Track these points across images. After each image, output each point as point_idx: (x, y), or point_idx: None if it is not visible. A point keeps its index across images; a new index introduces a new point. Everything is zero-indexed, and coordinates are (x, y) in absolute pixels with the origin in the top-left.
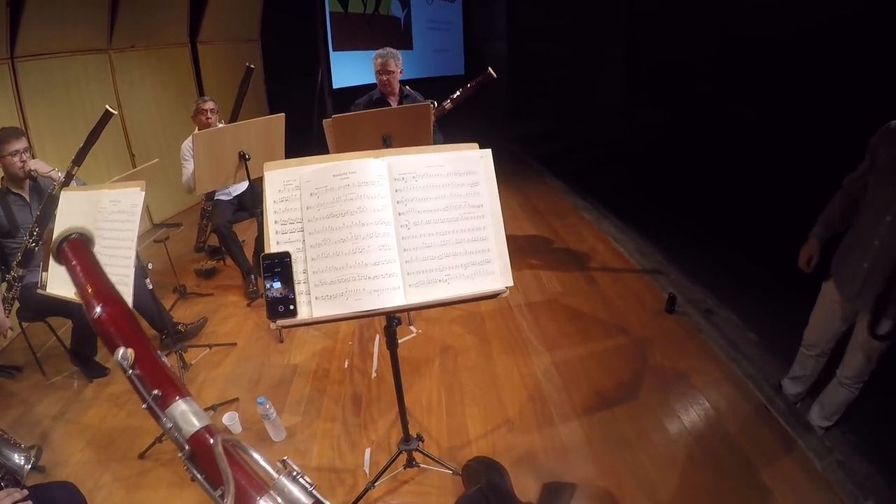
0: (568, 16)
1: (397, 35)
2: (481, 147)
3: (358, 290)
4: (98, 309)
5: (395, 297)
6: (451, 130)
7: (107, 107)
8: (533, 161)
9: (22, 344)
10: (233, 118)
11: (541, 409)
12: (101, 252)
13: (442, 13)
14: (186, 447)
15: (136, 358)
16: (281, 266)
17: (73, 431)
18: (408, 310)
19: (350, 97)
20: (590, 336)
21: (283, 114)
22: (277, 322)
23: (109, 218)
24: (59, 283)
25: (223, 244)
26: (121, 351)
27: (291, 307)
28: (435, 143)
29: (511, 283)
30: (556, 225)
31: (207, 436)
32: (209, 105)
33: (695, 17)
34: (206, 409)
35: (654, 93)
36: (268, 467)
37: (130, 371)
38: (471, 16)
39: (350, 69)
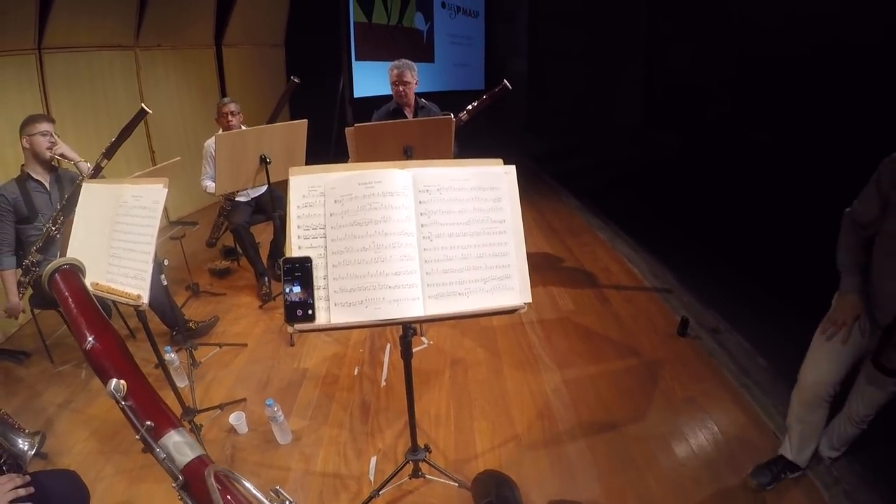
0: (588, 35)
1: (419, 47)
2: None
3: (377, 298)
4: (90, 339)
5: (413, 308)
6: (467, 143)
7: (143, 105)
8: (548, 178)
9: (32, 330)
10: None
11: (549, 426)
12: (120, 247)
13: (464, 28)
14: (180, 477)
15: (129, 389)
16: (302, 270)
17: (77, 421)
18: (426, 321)
19: (370, 106)
20: (601, 355)
21: (305, 120)
22: (295, 326)
23: (131, 213)
24: None
25: (239, 244)
26: (113, 382)
27: (310, 312)
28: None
29: (529, 300)
30: (570, 243)
31: (201, 466)
32: (230, 107)
33: (712, 39)
34: (214, 408)
35: (670, 114)
36: (260, 496)
37: (123, 402)
38: (493, 32)
39: (372, 79)
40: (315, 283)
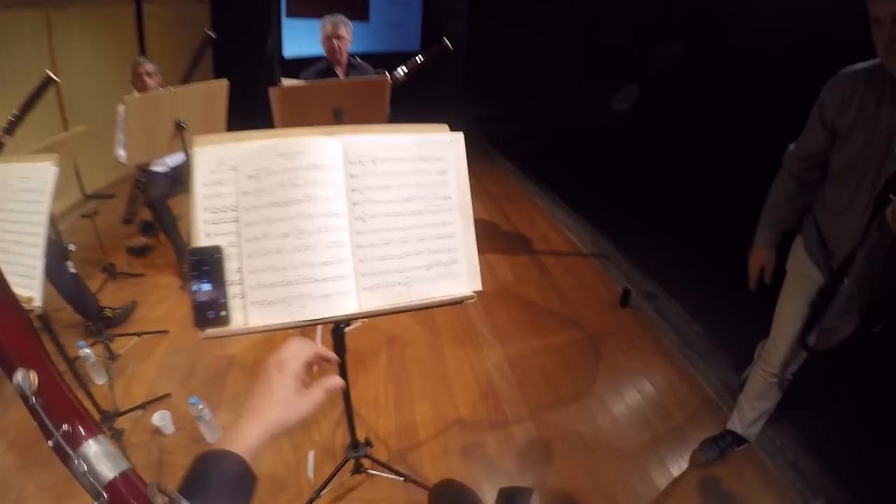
0: (530, 1)
1: (354, 5)
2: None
3: (303, 294)
4: None
5: (346, 303)
6: (402, 107)
7: (48, 72)
8: (485, 143)
9: None
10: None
11: (494, 406)
12: (8, 239)
13: None
14: (105, 495)
15: (40, 383)
16: (211, 263)
17: None
18: (362, 317)
19: (301, 66)
20: (543, 329)
21: (225, 80)
22: (207, 331)
23: (17, 197)
24: None
25: (157, 219)
26: (20, 374)
27: (223, 313)
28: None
29: (479, 287)
30: (507, 209)
31: (129, 483)
32: (146, 67)
33: (656, 9)
34: (136, 408)
35: (608, 82)
36: None
37: (33, 399)
38: None
39: (303, 38)
40: (228, 278)
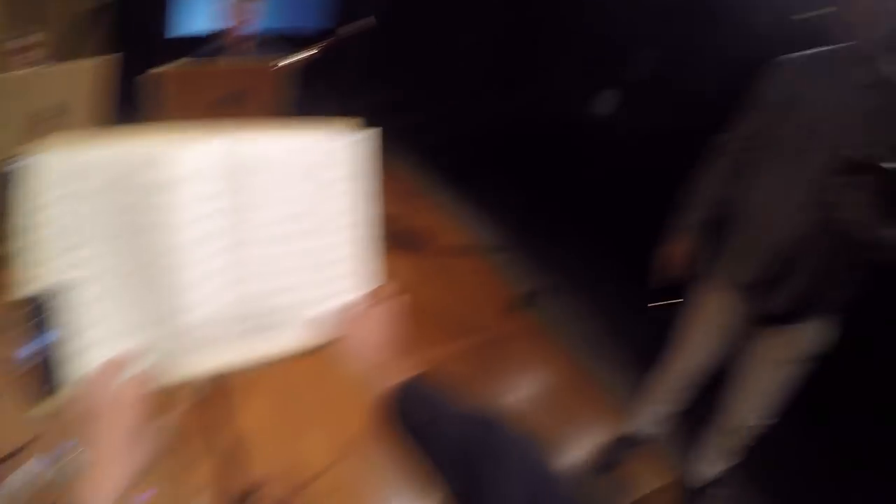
0: None
1: None
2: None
3: (165, 346)
4: None
5: (220, 354)
6: (305, 81)
7: None
8: (388, 133)
9: None
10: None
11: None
12: None
13: None
14: None
15: None
16: (47, 311)
17: None
18: (240, 369)
19: (194, 45)
20: (445, 334)
21: (107, 57)
22: (40, 406)
23: None
24: None
25: None
26: None
27: (59, 378)
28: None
29: None
30: (409, 205)
31: None
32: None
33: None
34: None
35: (509, 75)
36: None
37: None
38: None
39: (199, 12)
40: (70, 329)
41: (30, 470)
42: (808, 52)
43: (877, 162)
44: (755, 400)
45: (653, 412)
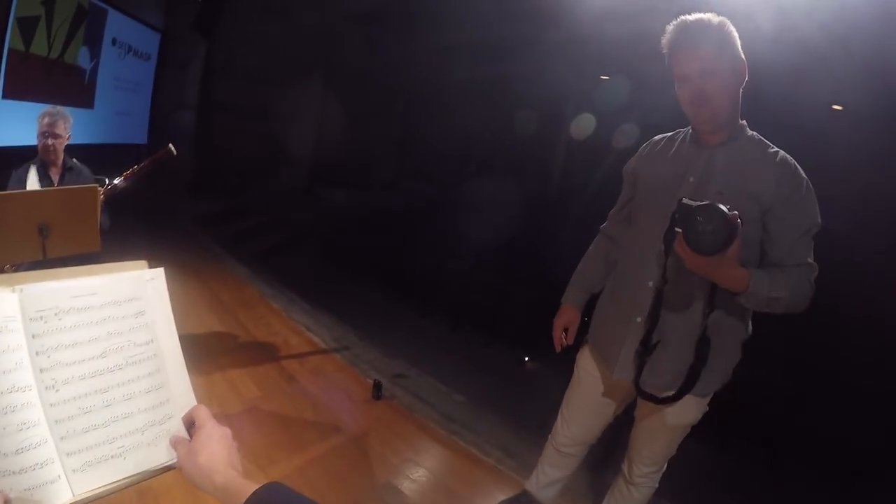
0: (259, 93)
1: (78, 89)
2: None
3: (17, 488)
4: None
5: (57, 493)
6: (122, 209)
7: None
8: (214, 244)
9: None
10: None
11: None
12: None
13: (132, 72)
14: None
15: None
16: None
17: None
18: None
19: (16, 158)
20: (303, 442)
21: None
22: None
23: None
24: None
25: None
26: None
27: None
28: (101, 227)
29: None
30: (243, 317)
31: None
32: None
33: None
34: None
35: (338, 173)
36: None
37: None
38: (162, 79)
39: (20, 124)
40: None
41: None
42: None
43: (687, 202)
44: (647, 456)
45: (546, 474)
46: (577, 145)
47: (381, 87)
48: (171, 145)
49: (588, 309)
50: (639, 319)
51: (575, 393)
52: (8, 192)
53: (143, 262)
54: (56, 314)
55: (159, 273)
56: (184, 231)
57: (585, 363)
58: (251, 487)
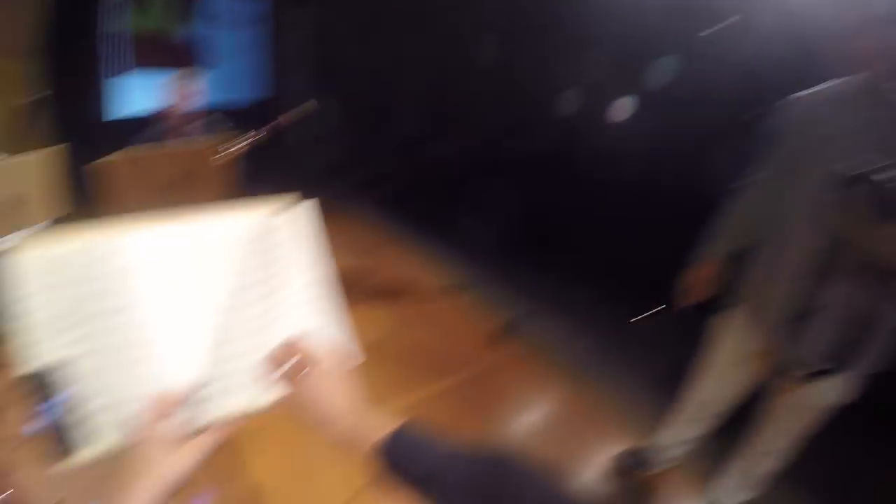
0: (377, 45)
1: (199, 54)
2: (299, 196)
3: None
4: None
5: (201, 414)
6: (253, 156)
7: None
8: (341, 189)
9: None
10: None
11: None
12: None
13: (248, 35)
14: None
15: None
16: (52, 386)
17: None
18: (222, 425)
19: (142, 126)
20: (430, 378)
21: (52, 149)
22: (62, 463)
23: None
24: None
25: None
26: None
27: (76, 439)
28: (239, 178)
29: (359, 359)
30: (371, 256)
31: None
32: None
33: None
34: None
35: (448, 120)
36: None
37: None
38: (277, 40)
39: (137, 94)
40: (74, 399)
41: None
42: (815, 88)
43: (867, 174)
44: (775, 441)
45: (672, 435)
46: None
47: (497, 28)
48: (310, 100)
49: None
50: (799, 283)
51: (713, 357)
52: (149, 148)
53: (293, 196)
54: (203, 248)
55: (303, 208)
56: (313, 177)
57: (727, 326)
58: (380, 431)
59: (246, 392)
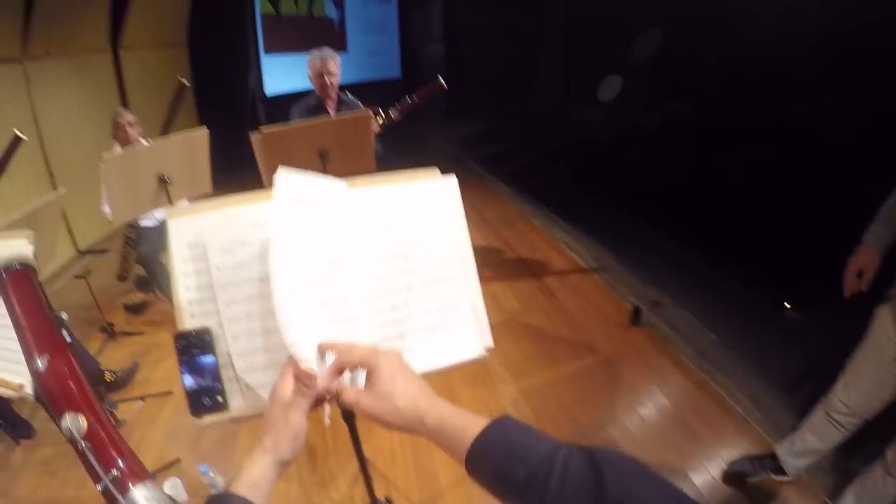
0: (506, 15)
1: (332, 37)
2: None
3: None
4: (41, 362)
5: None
6: (386, 134)
7: (15, 131)
8: (475, 165)
9: None
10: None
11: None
12: None
13: (377, 14)
14: None
15: (89, 427)
16: (201, 346)
17: None
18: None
19: (283, 104)
20: (556, 358)
21: (205, 130)
22: (205, 419)
23: None
24: None
25: (150, 276)
26: (69, 417)
27: (219, 398)
28: (376, 153)
29: (491, 343)
30: (505, 234)
31: None
32: (127, 118)
33: (632, 14)
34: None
35: (591, 91)
36: None
37: (82, 443)
38: (407, 17)
39: (283, 74)
40: (220, 361)
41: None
42: None
43: None
44: None
45: (804, 441)
46: None
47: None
48: (440, 78)
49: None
50: None
51: (866, 355)
52: (291, 123)
53: (434, 170)
54: (356, 218)
55: (451, 182)
56: (445, 153)
57: (885, 323)
58: (473, 427)
59: (412, 355)
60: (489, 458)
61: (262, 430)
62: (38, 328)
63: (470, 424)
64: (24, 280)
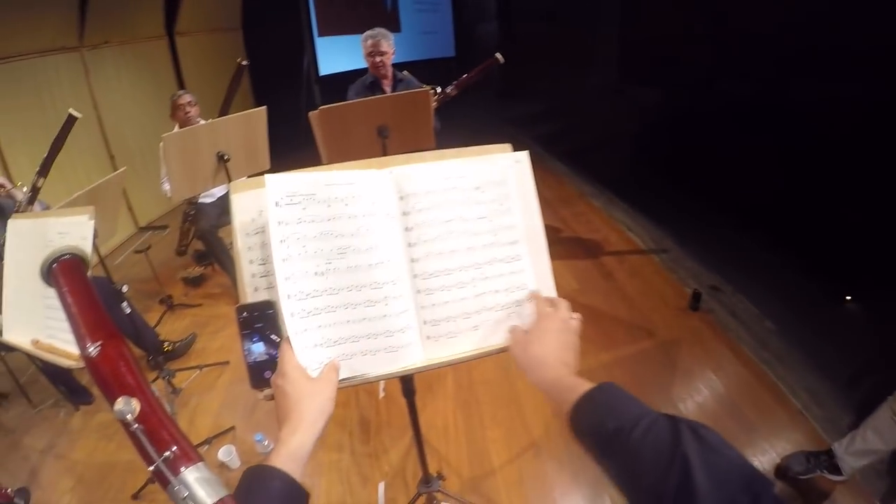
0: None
1: (384, 17)
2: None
3: (363, 350)
4: (92, 348)
5: (410, 355)
6: (442, 110)
7: (70, 110)
8: (531, 143)
9: (2, 369)
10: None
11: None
12: (51, 295)
13: None
14: None
15: (141, 410)
16: (264, 320)
17: (62, 468)
18: (428, 369)
19: (338, 84)
20: (613, 340)
21: (264, 107)
22: (265, 392)
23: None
24: (18, 327)
25: (209, 250)
26: (122, 401)
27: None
28: (434, 128)
29: None
30: (563, 213)
31: None
32: (186, 98)
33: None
34: (202, 444)
35: (647, 71)
36: None
37: (134, 425)
38: None
39: (337, 54)
40: (273, 339)
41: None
42: None
43: None
44: None
45: (865, 440)
46: None
47: None
48: (497, 54)
49: None
50: None
51: None
52: (352, 100)
53: (508, 146)
54: (426, 194)
55: (523, 156)
56: (501, 131)
57: None
58: (583, 387)
59: (478, 333)
60: (588, 411)
61: (290, 403)
62: (89, 316)
63: (581, 384)
64: (73, 269)
